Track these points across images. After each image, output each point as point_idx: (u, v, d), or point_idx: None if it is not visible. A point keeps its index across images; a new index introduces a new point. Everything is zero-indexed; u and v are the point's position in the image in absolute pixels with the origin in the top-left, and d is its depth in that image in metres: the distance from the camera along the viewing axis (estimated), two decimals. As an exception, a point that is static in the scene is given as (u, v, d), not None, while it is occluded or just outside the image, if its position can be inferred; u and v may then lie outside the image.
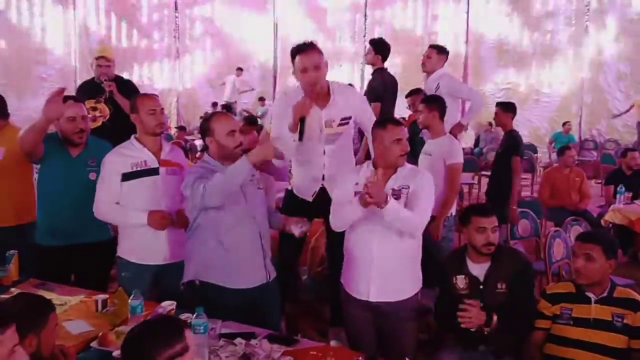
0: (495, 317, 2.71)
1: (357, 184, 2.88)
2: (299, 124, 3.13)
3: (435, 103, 4.30)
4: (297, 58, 3.21)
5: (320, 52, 3.24)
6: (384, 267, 2.81)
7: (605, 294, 2.68)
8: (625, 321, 2.62)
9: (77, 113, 3.30)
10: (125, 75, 5.54)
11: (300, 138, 3.17)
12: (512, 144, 5.51)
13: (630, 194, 5.95)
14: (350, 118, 3.38)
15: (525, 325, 2.82)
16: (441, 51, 5.29)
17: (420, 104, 4.44)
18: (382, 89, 5.23)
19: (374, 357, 2.45)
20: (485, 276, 2.86)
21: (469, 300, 2.73)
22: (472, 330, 2.73)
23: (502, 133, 5.73)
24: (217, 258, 2.79)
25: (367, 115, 3.50)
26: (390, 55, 5.52)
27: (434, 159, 4.12)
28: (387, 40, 5.62)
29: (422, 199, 2.81)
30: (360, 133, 4.69)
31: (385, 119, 3.12)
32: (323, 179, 3.40)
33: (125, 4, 14.38)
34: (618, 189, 5.93)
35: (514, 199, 5.38)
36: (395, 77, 5.57)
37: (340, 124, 3.34)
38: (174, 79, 15.36)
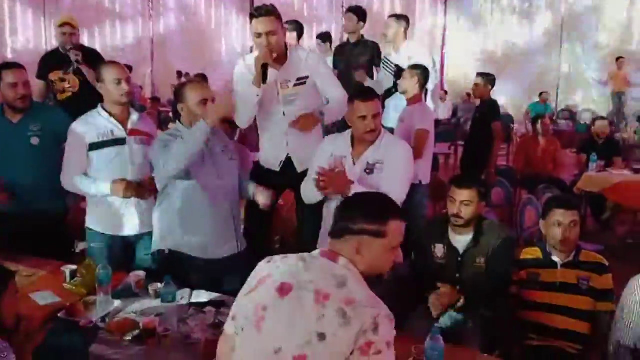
0: (462, 300, 2.68)
1: (332, 155, 2.83)
2: (262, 72, 3.06)
3: (418, 70, 4.24)
4: (253, 22, 3.12)
5: (277, 16, 3.11)
6: None
7: (571, 258, 2.72)
8: (591, 284, 2.66)
9: (19, 79, 3.24)
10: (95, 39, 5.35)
11: (264, 81, 3.09)
12: (492, 110, 5.54)
13: (603, 162, 6.02)
14: (306, 78, 3.26)
15: (499, 301, 2.77)
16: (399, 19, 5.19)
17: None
18: None
19: None
20: (465, 249, 2.82)
21: (443, 286, 2.69)
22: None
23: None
24: (187, 228, 2.77)
25: (327, 80, 3.34)
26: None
27: (406, 125, 4.11)
28: None
29: (397, 175, 2.75)
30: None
31: (353, 93, 2.98)
32: (287, 145, 3.32)
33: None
34: (591, 157, 5.99)
35: (492, 163, 5.40)
36: None
37: (296, 84, 3.24)
38: (148, 49, 15.03)
